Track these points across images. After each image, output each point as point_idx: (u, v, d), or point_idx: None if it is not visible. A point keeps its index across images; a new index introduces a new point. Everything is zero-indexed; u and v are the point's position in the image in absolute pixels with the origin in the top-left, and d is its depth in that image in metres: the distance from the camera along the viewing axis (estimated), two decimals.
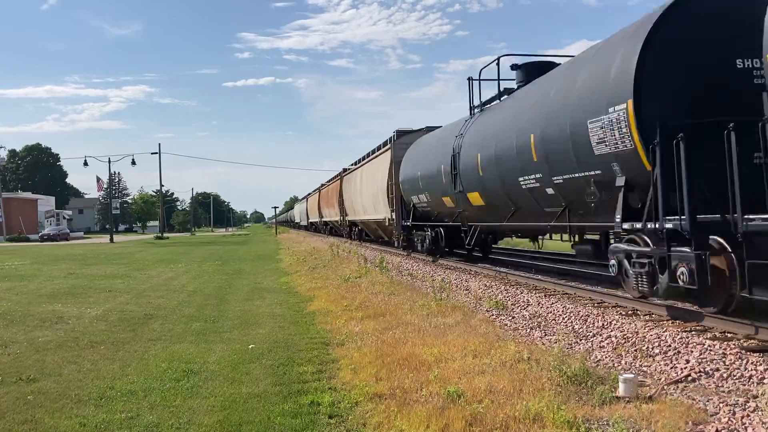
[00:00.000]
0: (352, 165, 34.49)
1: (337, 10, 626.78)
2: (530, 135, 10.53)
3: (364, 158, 30.00)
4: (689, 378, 5.41)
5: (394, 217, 21.44)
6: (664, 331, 6.99)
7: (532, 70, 12.61)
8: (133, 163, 60.87)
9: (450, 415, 4.78)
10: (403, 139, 21.56)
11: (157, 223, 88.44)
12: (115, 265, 24.38)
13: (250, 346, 8.13)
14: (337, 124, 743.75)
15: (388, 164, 22.16)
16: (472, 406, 4.93)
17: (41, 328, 9.81)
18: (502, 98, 13.78)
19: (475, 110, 15.03)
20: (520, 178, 11.17)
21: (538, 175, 10.52)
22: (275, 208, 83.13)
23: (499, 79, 13.81)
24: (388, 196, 22.04)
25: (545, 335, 7.56)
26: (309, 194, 53.95)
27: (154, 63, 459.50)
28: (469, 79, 14.83)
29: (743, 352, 5.99)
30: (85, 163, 59.74)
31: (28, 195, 79.34)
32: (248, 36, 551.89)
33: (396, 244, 22.46)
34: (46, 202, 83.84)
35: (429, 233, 18.43)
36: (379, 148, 26.31)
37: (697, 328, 7.37)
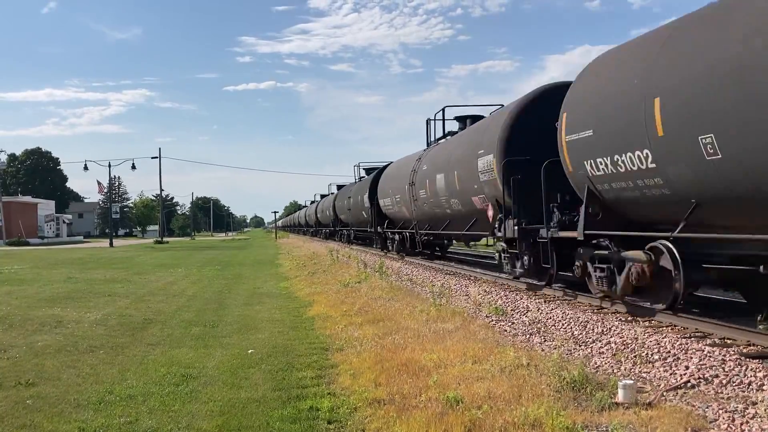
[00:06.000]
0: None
1: (338, 14, 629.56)
2: None
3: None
4: (688, 384, 5.41)
5: None
6: (663, 338, 6.99)
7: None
8: (134, 167, 60.45)
9: (449, 421, 4.78)
10: None
11: (156, 227, 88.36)
12: (114, 269, 24.36)
13: (250, 351, 8.13)
14: (337, 128, 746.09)
15: None
16: (471, 412, 4.93)
17: (40, 332, 9.80)
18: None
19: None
20: None
21: None
22: (275, 212, 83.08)
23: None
24: None
25: (545, 341, 7.56)
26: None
27: (154, 67, 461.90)
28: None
29: (743, 358, 5.99)
30: (86, 167, 59.63)
31: (28, 199, 79.21)
32: (249, 40, 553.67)
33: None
34: (46, 206, 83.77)
35: None
36: None
37: (697, 334, 7.37)
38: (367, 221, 27.76)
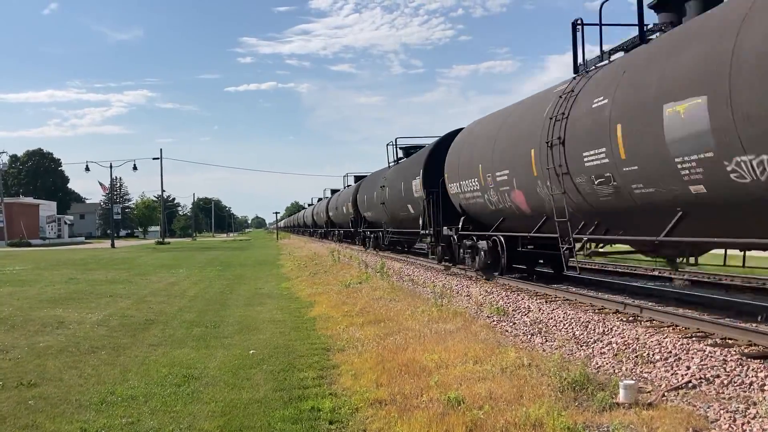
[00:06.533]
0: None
1: (339, 14, 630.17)
2: None
3: None
4: (690, 384, 5.41)
5: None
6: (664, 338, 6.99)
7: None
8: (135, 168, 60.45)
9: (450, 421, 4.78)
10: None
11: (158, 228, 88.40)
12: (116, 270, 24.38)
13: (251, 352, 8.14)
14: (338, 129, 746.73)
15: None
16: (472, 412, 4.93)
17: (42, 333, 9.81)
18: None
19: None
20: None
21: None
22: (276, 213, 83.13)
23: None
24: None
25: (546, 341, 7.56)
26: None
27: (156, 68, 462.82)
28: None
29: (744, 358, 6.00)
30: (87, 168, 59.72)
31: (30, 200, 79.30)
32: (250, 41, 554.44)
33: None
34: (48, 207, 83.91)
35: None
36: None
37: (698, 334, 7.37)
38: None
